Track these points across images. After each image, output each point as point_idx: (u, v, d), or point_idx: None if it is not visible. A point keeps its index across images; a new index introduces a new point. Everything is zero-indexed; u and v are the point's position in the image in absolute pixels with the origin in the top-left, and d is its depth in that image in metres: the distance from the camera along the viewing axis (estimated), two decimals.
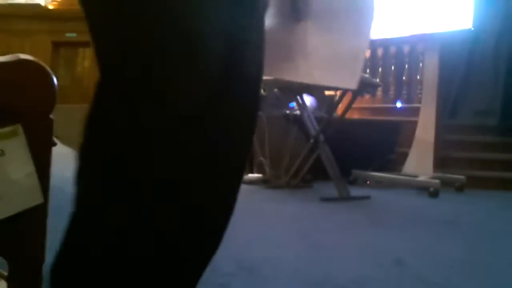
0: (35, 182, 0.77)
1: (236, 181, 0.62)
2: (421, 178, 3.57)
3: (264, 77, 2.93)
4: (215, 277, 1.37)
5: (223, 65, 0.55)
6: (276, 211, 2.65)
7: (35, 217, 0.78)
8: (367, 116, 5.24)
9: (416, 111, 4.13)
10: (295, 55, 2.78)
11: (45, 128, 0.78)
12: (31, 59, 0.77)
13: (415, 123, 4.00)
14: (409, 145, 3.97)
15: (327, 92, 4.64)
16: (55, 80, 0.79)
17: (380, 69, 5.24)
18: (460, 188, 3.67)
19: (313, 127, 3.44)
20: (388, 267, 1.61)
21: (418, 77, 4.97)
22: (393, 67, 5.20)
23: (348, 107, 3.42)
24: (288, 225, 2.22)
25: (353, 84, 2.65)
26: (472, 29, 3.60)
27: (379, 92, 5.20)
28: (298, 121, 3.86)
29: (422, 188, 3.48)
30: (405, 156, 3.96)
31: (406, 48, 5.06)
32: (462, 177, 3.70)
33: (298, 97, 3.56)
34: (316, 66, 2.70)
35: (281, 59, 2.76)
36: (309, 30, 2.74)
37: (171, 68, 0.54)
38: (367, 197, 3.13)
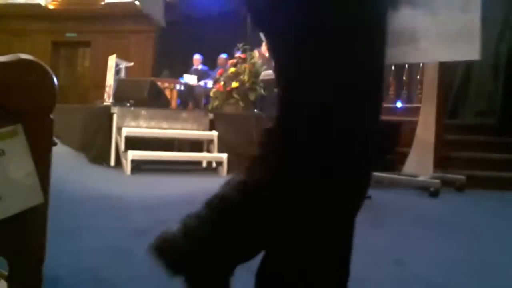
0: (35, 181, 0.76)
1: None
2: (421, 178, 3.57)
3: (264, 77, 2.94)
4: None
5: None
6: None
7: (35, 217, 0.78)
8: None
9: (416, 111, 4.13)
10: (407, 40, 3.07)
11: (45, 128, 0.78)
12: (32, 59, 0.76)
13: (415, 123, 4.00)
14: (409, 145, 3.97)
15: None
16: (55, 80, 0.79)
17: None
18: (460, 188, 3.67)
19: None
20: (388, 267, 1.61)
21: (418, 77, 4.97)
22: (393, 67, 5.20)
23: None
24: None
25: (476, 55, 2.96)
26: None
27: None
28: None
29: (422, 188, 3.48)
30: (405, 156, 3.96)
31: None
32: (462, 177, 3.71)
33: None
34: (431, 46, 3.01)
35: (399, 44, 3.07)
36: (415, 16, 3.06)
37: None
38: (367, 197, 3.12)
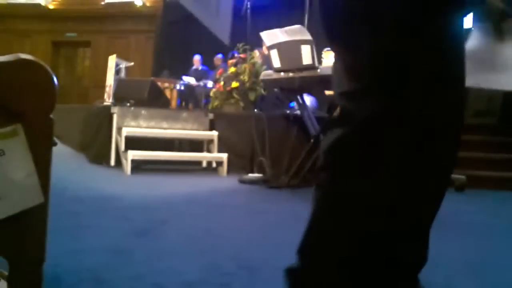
0: (35, 182, 0.76)
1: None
2: None
3: (264, 77, 2.94)
4: (215, 277, 1.37)
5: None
6: (276, 211, 2.65)
7: (35, 217, 0.78)
8: None
9: None
10: (494, 67, 3.17)
11: (45, 128, 0.78)
12: (32, 59, 0.77)
13: None
14: None
15: (327, 92, 4.64)
16: (55, 80, 0.79)
17: None
18: (460, 187, 3.67)
19: (313, 127, 3.44)
20: None
21: None
22: None
23: None
24: (288, 225, 2.22)
25: None
26: (472, 28, 3.60)
27: None
28: (298, 121, 3.86)
29: None
30: None
31: None
32: (462, 176, 3.70)
33: (298, 97, 3.56)
34: (506, 75, 3.13)
35: (484, 71, 3.17)
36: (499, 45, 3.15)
37: None
38: None
